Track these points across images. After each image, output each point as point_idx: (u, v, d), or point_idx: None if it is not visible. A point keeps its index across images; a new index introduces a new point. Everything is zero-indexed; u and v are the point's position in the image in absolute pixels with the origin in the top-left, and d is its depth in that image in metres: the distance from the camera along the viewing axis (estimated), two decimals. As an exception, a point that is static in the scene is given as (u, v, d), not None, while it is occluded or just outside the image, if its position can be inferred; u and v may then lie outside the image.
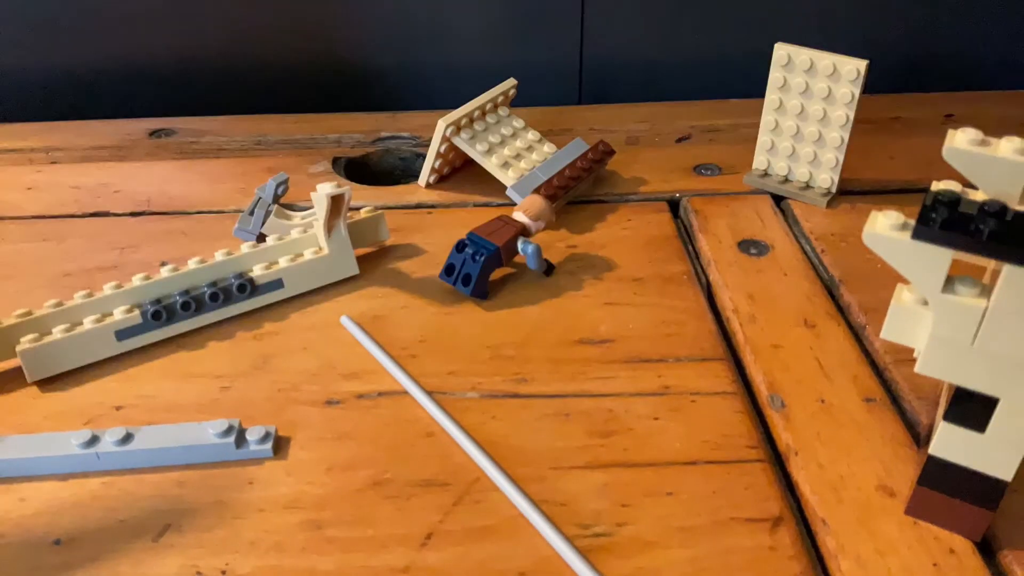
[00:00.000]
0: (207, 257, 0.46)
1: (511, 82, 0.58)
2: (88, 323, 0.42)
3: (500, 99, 0.57)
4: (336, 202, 0.46)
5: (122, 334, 0.43)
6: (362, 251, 0.52)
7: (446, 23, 0.71)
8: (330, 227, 0.47)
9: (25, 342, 0.41)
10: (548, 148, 0.57)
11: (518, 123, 0.58)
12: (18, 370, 0.42)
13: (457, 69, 0.73)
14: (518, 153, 0.56)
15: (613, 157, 0.58)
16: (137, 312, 0.43)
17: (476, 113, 0.56)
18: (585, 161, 0.55)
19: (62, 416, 0.40)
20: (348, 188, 0.46)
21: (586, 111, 0.70)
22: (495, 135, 0.56)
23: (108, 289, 0.44)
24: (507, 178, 0.54)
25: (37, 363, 0.42)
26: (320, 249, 0.48)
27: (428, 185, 0.58)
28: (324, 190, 0.46)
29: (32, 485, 0.37)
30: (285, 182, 0.51)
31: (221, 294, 0.45)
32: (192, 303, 0.44)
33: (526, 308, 0.47)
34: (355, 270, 0.49)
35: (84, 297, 0.43)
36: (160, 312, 0.44)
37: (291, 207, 0.55)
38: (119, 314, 0.43)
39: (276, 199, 0.51)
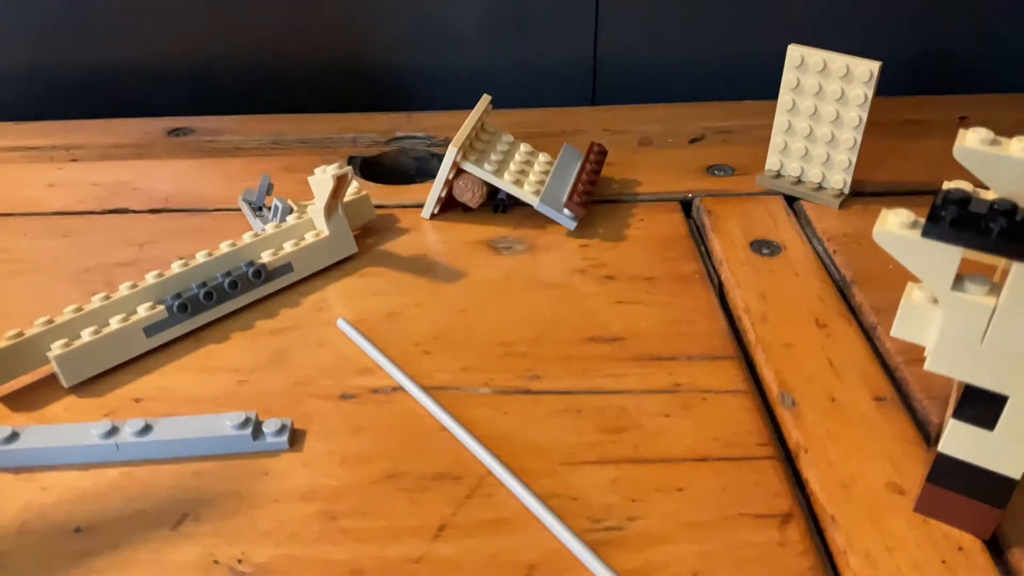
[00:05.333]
0: (216, 251, 0.47)
1: (486, 99, 0.57)
2: (115, 323, 0.43)
3: (485, 117, 0.56)
4: (340, 182, 0.47)
5: (150, 330, 0.44)
6: (380, 248, 0.52)
7: (460, 23, 0.72)
8: (330, 209, 0.49)
9: (56, 348, 0.41)
10: (544, 158, 0.57)
11: (507, 138, 0.57)
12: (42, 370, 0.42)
13: (470, 69, 0.73)
14: (522, 168, 0.55)
15: (622, 158, 0.58)
16: (162, 308, 0.44)
17: (473, 134, 0.54)
18: (592, 164, 0.56)
19: (82, 408, 0.41)
20: (349, 168, 0.48)
21: (599, 112, 0.70)
22: (496, 153, 0.55)
23: (124, 289, 0.44)
24: (526, 195, 0.53)
25: (72, 367, 0.41)
26: (320, 232, 0.50)
27: (433, 216, 0.55)
28: (328, 171, 0.47)
29: (53, 475, 0.37)
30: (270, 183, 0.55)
31: (239, 282, 0.46)
32: (213, 293, 0.45)
33: (538, 306, 0.47)
34: (354, 248, 0.51)
35: (103, 300, 0.44)
36: (185, 305, 0.44)
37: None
38: (143, 311, 0.44)
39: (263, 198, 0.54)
